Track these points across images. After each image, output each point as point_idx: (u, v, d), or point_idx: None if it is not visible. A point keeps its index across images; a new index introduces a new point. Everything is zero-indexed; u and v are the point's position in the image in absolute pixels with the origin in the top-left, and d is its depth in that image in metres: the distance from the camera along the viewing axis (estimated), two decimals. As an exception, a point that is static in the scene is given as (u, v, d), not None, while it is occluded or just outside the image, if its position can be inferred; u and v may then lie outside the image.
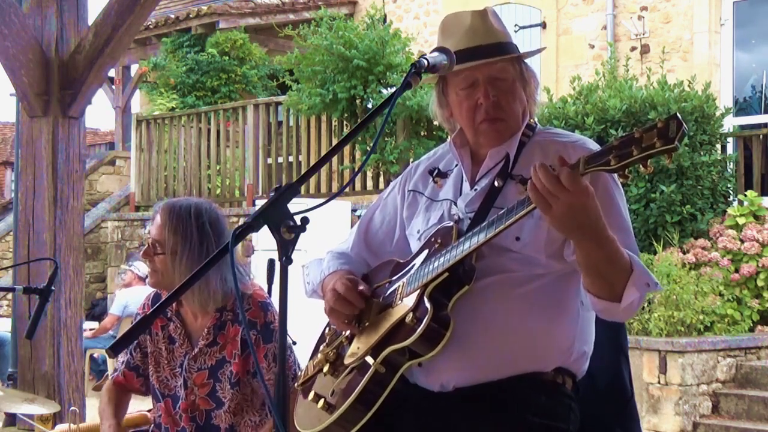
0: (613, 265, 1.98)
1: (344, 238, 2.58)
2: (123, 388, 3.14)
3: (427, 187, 2.39)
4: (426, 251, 2.22)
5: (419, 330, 2.04)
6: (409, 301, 2.13)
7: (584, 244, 1.96)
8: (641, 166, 1.79)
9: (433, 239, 2.22)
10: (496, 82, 2.24)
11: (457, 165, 2.35)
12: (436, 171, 2.39)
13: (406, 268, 2.25)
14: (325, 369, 2.28)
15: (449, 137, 2.38)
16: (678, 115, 1.75)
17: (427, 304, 2.07)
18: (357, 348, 2.20)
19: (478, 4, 2.55)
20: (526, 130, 2.30)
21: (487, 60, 2.23)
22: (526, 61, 2.33)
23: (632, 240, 2.15)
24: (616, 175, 1.88)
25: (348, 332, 2.30)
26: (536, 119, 2.37)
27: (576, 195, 1.87)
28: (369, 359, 2.13)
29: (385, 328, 2.14)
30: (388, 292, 2.26)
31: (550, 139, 2.29)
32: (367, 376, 2.11)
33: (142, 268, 8.63)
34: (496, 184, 2.22)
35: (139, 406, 3.52)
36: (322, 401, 2.19)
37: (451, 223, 2.22)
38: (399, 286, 2.22)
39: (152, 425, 3.09)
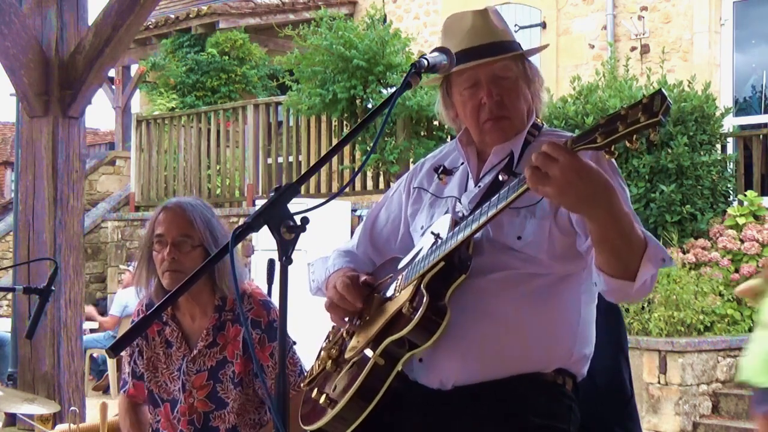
0: (627, 238, 1.94)
1: (346, 237, 2.58)
2: (136, 400, 3.09)
3: (432, 184, 2.39)
4: (425, 245, 2.23)
5: (415, 319, 2.05)
6: (407, 292, 2.14)
7: (596, 215, 1.92)
8: (627, 141, 1.78)
9: (432, 233, 2.22)
10: (499, 80, 2.24)
11: (463, 163, 2.35)
12: (442, 168, 2.39)
13: (406, 263, 2.26)
14: (329, 366, 2.28)
15: (456, 135, 2.38)
16: (663, 90, 1.75)
17: (424, 294, 2.07)
18: (357, 342, 2.21)
19: (479, 4, 2.55)
20: (532, 129, 2.29)
21: (488, 59, 2.23)
22: (530, 59, 2.32)
23: (639, 223, 2.11)
24: (614, 160, 1.86)
25: (348, 328, 2.31)
26: (542, 119, 2.37)
27: (568, 163, 1.85)
28: (368, 352, 2.14)
29: (383, 320, 2.15)
30: (389, 286, 2.27)
31: (555, 139, 2.28)
32: (366, 368, 2.11)
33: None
34: (500, 178, 2.22)
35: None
36: (324, 397, 2.20)
37: (449, 215, 2.22)
38: (398, 279, 2.24)
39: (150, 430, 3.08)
